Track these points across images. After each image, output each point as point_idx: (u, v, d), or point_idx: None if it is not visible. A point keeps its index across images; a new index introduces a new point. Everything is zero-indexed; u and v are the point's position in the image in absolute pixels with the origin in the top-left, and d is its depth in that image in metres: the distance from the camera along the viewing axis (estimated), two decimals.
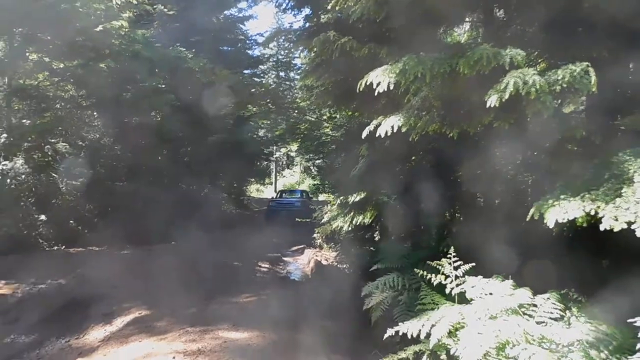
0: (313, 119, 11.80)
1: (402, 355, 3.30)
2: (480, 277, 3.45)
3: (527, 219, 3.00)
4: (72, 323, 5.73)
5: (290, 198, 19.61)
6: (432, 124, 3.87)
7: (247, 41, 20.05)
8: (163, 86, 11.21)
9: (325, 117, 10.95)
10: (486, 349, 2.84)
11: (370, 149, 6.44)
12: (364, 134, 4.14)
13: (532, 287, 3.27)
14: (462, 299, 3.39)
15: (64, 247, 9.34)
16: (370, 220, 7.49)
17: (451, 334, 3.13)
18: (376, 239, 8.94)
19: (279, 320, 5.24)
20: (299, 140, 12.96)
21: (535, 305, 3.19)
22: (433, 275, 3.48)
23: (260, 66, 22.54)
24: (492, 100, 3.09)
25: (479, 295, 3.28)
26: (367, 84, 3.82)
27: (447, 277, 3.47)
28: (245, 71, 19.32)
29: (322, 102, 7.31)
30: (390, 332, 3.23)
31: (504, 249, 4.31)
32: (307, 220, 14.37)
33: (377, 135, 3.99)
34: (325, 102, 7.26)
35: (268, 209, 18.73)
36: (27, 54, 9.55)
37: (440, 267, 3.54)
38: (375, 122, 4.06)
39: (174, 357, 3.95)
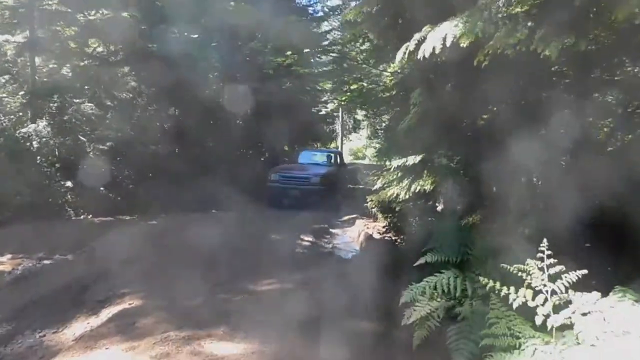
0: (363, 67, 10.14)
1: None
2: (596, 294, 1.91)
3: None
4: (60, 310, 4.82)
5: (304, 171, 12.04)
6: (514, 34, 2.25)
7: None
8: (196, 36, 10.03)
9: (380, 68, 9.27)
10: None
11: (425, 95, 4.86)
12: (399, 55, 2.63)
13: None
14: (565, 333, 1.89)
15: (90, 216, 8.64)
16: (431, 187, 6.12)
17: None
18: (438, 208, 7.54)
19: (298, 321, 3.97)
20: (348, 94, 11.34)
21: None
22: (512, 291, 1.99)
23: (325, 23, 20.52)
24: None
25: (600, 332, 1.76)
26: None
27: (536, 292, 1.97)
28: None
29: (365, 35, 5.77)
30: None
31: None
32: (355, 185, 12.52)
33: (419, 57, 2.45)
34: (372, 32, 5.71)
35: (270, 189, 11.69)
36: (46, 4, 8.71)
37: (524, 273, 2.03)
38: (418, 35, 2.51)
39: None
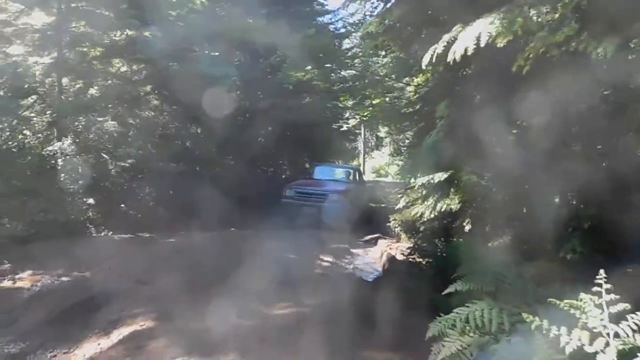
0: (385, 81, 9.88)
1: None
2: None
3: None
4: (73, 329, 4.68)
5: (321, 187, 11.28)
6: (561, 29, 1.98)
7: (331, 18, 18.13)
8: (217, 54, 10.02)
9: (404, 81, 9.02)
10: None
11: (452, 107, 4.62)
12: (426, 59, 2.40)
13: None
14: None
15: (111, 233, 8.57)
16: (458, 206, 5.83)
17: None
18: (465, 229, 7.21)
19: (314, 350, 3.71)
20: (369, 110, 11.07)
21: None
22: (564, 332, 1.69)
23: (346, 40, 20.37)
24: None
25: None
26: None
27: (594, 334, 1.67)
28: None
29: (387, 47, 5.58)
30: None
31: None
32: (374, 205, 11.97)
33: (448, 60, 2.22)
34: (394, 44, 5.50)
35: (283, 207, 10.94)
36: (74, 27, 8.85)
37: (578, 311, 1.74)
38: (447, 36, 2.28)
39: None
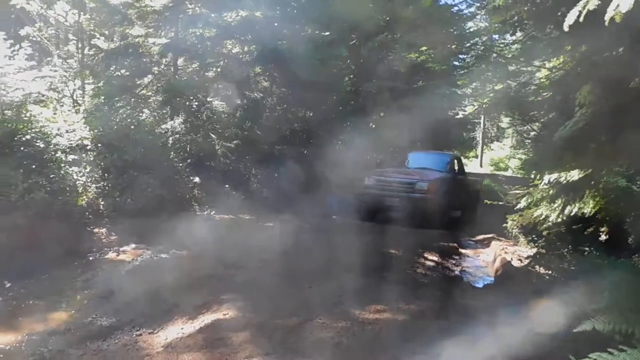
0: (511, 64, 8.66)
1: None
2: None
3: None
4: (162, 309, 4.69)
5: (408, 176, 9.54)
6: None
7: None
8: (327, 34, 9.67)
9: (535, 63, 7.84)
10: None
11: (598, 93, 3.73)
12: (571, 17, 1.72)
13: None
14: None
15: (213, 212, 8.75)
16: (592, 211, 5.03)
17: None
18: (601, 238, 6.26)
19: None
20: (491, 96, 9.89)
21: None
22: None
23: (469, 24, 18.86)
24: None
25: None
26: None
27: None
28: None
29: (517, 23, 4.75)
30: None
31: None
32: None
33: (606, 18, 1.54)
34: (527, 18, 4.66)
35: (361, 198, 9.44)
36: (190, 8, 9.08)
37: None
38: None
39: None
